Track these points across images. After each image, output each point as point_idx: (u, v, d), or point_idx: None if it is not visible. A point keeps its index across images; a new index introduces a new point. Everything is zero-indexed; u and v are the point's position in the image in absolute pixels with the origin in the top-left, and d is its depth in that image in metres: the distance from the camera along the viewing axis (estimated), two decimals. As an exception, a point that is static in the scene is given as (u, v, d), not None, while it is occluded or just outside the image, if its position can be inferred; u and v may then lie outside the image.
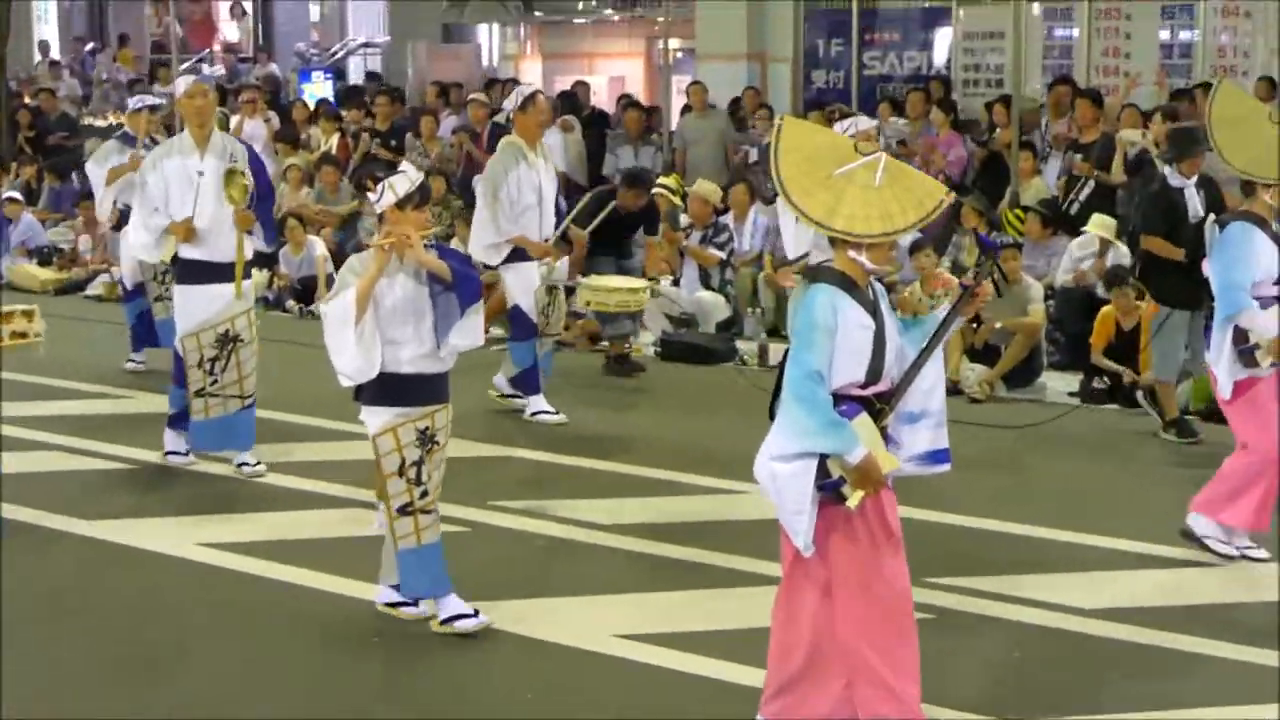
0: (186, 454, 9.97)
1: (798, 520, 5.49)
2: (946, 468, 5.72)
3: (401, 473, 6.91)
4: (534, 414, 11.08)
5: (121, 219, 12.11)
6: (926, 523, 8.67)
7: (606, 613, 7.36)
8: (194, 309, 9.52)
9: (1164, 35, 18.14)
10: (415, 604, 7.20)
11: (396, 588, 7.19)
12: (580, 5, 24.91)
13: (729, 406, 11.34)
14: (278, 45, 30.27)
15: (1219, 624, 7.20)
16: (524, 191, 10.77)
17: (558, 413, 11.08)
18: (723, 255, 14.37)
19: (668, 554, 8.21)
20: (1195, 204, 10.36)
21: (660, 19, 18.79)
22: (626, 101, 19.63)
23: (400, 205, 6.72)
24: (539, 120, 11.01)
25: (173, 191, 9.47)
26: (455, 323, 6.80)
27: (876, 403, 5.53)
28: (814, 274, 5.59)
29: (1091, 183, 14.07)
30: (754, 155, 17.54)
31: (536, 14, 25.20)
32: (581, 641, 7.03)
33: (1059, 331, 12.89)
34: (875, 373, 5.53)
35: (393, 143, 18.42)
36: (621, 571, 8.01)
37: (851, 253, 5.48)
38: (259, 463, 9.75)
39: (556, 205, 11.31)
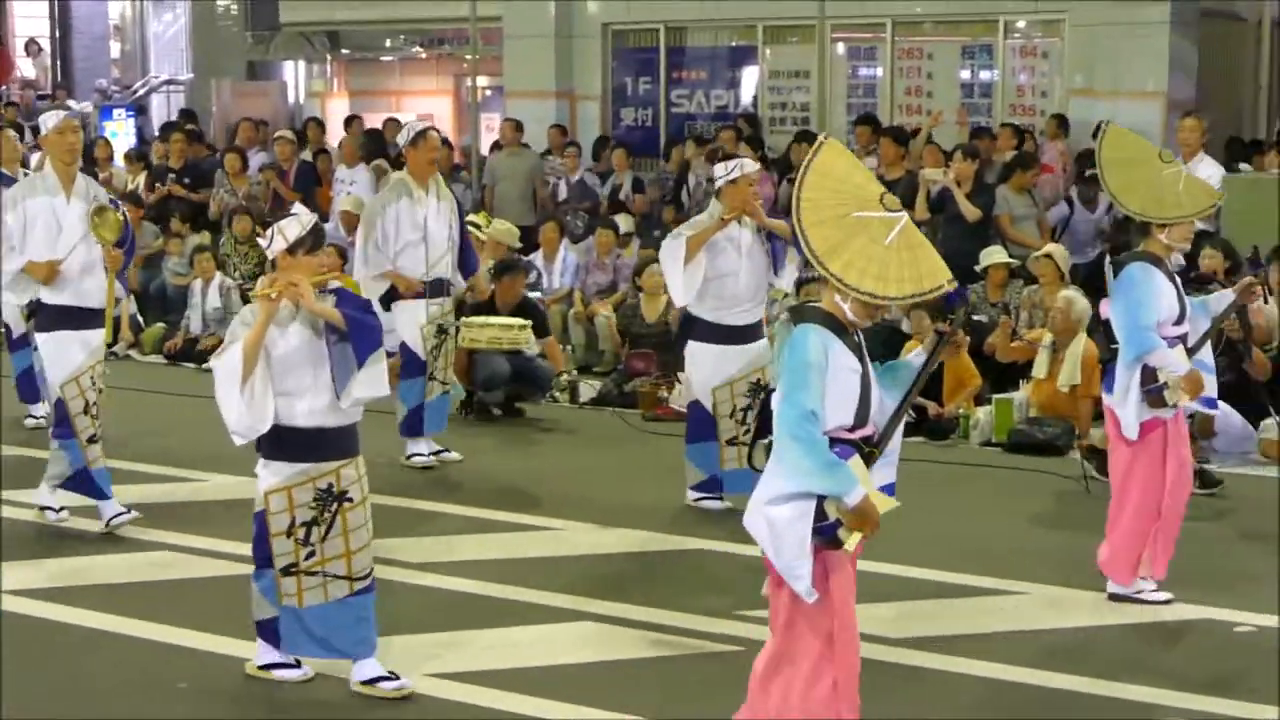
0: (59, 510, 9.30)
1: (800, 565, 5.29)
2: (894, 501, 5.57)
3: (290, 533, 6.56)
4: (409, 456, 10.80)
5: None
6: (737, 555, 8.72)
7: (417, 651, 7.26)
8: (70, 354, 8.97)
9: (964, 75, 18.56)
10: (297, 665, 6.82)
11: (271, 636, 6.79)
12: (388, 42, 24.77)
13: (548, 444, 11.32)
14: (77, 82, 29.68)
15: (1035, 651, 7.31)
16: (403, 228, 10.44)
17: (436, 452, 10.87)
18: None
19: (479, 592, 8.14)
20: None
21: (468, 56, 18.73)
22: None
23: (291, 250, 6.39)
24: (430, 157, 10.64)
25: (35, 233, 8.97)
26: (353, 373, 6.38)
27: (864, 446, 5.43)
28: (800, 314, 5.46)
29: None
30: (563, 191, 17.57)
31: (343, 51, 25.02)
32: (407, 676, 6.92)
33: (869, 366, 13.04)
34: (863, 416, 5.44)
35: (186, 180, 18.11)
36: (433, 610, 7.92)
37: (838, 298, 5.37)
38: (129, 509, 9.20)
39: (464, 243, 10.99)
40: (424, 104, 24.68)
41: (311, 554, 6.58)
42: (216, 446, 7.86)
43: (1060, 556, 8.70)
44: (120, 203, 9.41)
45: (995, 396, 11.78)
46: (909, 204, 13.98)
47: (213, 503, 9.85)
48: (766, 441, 5.52)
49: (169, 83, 28.55)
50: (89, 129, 24.39)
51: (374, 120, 21.21)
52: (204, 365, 14.57)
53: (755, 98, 19.76)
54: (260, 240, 6.54)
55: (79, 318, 9.01)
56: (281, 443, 6.47)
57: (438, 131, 11.06)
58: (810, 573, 5.29)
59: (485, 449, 11.55)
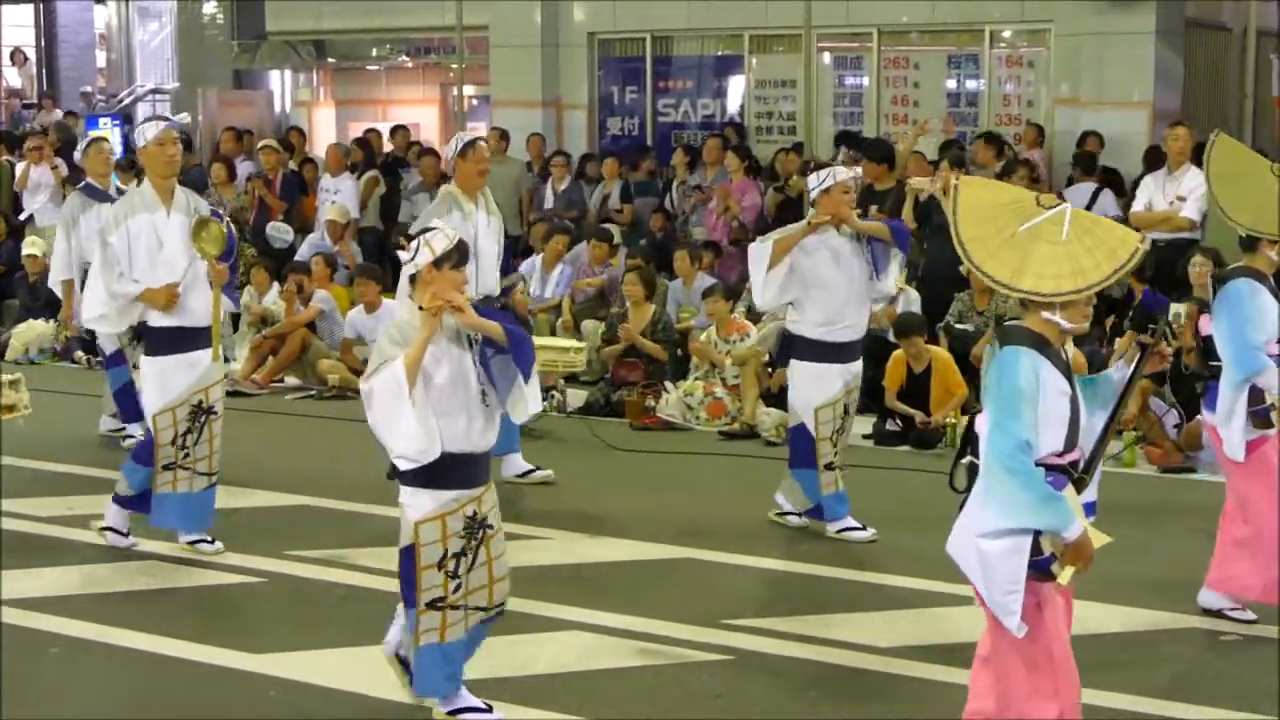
0: (127, 535, 8.96)
1: (1011, 600, 5.16)
2: (1108, 536, 5.38)
3: (441, 565, 6.22)
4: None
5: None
6: (723, 565, 8.73)
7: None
8: (171, 382, 8.63)
9: (951, 84, 18.58)
10: (488, 709, 6.54)
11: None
12: (374, 51, 24.74)
13: (535, 453, 11.29)
14: (63, 91, 29.63)
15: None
16: None
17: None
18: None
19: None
20: None
21: (455, 65, 18.73)
22: (421, 149, 19.52)
23: (437, 264, 6.06)
24: (480, 168, 10.14)
25: (138, 252, 8.58)
26: (518, 387, 6.13)
27: (1074, 471, 5.28)
28: (1006, 335, 5.25)
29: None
30: (549, 199, 17.56)
31: (329, 60, 24.99)
32: (380, 690, 6.89)
33: (852, 375, 13.05)
34: (1072, 440, 5.27)
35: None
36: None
37: (1045, 313, 5.15)
38: (215, 540, 8.90)
39: (505, 260, 10.71)
40: (410, 113, 24.65)
41: (459, 587, 6.29)
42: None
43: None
44: (223, 214, 9.08)
45: (982, 405, 11.77)
46: (895, 214, 14.03)
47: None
48: (967, 463, 5.41)
49: (155, 91, 28.52)
50: (76, 138, 24.38)
51: (360, 130, 21.23)
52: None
53: (742, 107, 19.78)
54: (402, 252, 6.18)
55: (186, 339, 8.65)
56: (435, 469, 6.08)
57: (486, 142, 10.71)
58: (1021, 608, 5.16)
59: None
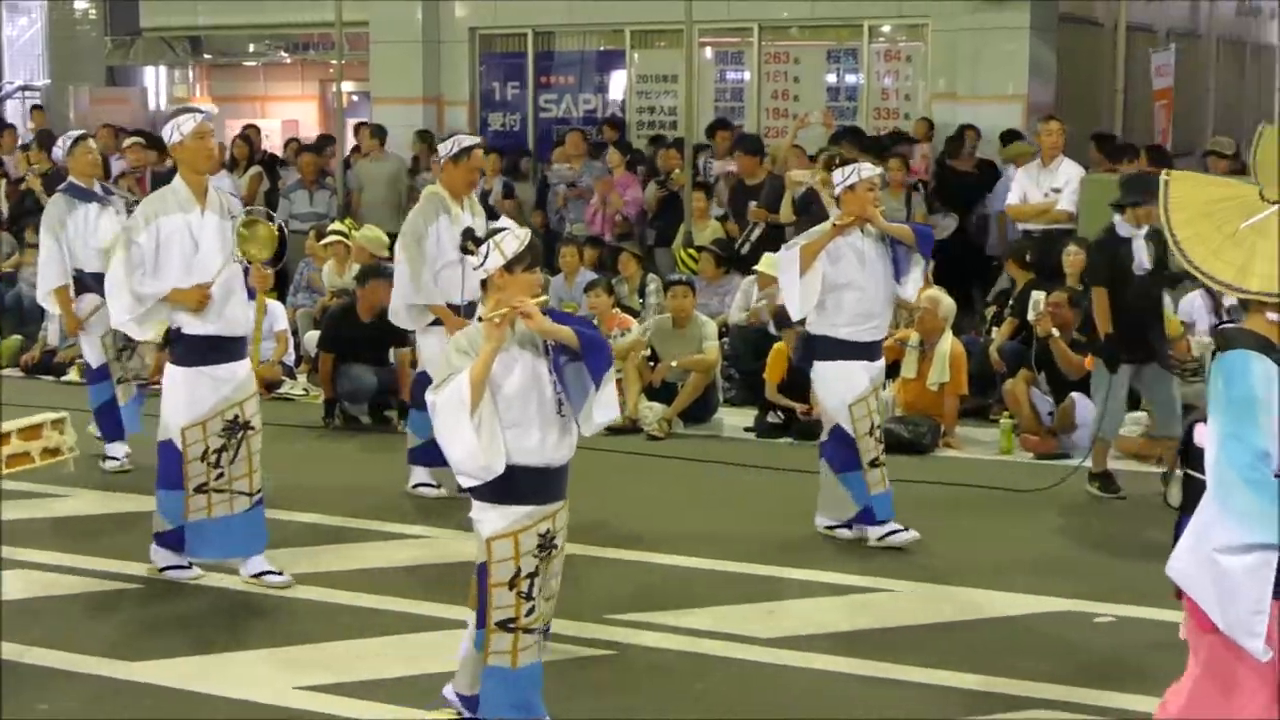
0: (189, 566, 8.41)
1: (1257, 621, 4.69)
2: None
3: (513, 584, 5.83)
4: (415, 486, 10.20)
5: (80, 286, 10.78)
6: (606, 559, 8.72)
7: (286, 664, 7.19)
8: (201, 394, 8.07)
9: (830, 79, 18.71)
10: None
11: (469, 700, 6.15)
12: (251, 47, 24.53)
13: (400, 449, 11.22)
14: (-69, 88, 29.13)
15: (904, 648, 7.36)
16: (444, 248, 9.60)
17: (439, 485, 10.10)
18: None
19: (347, 602, 8.06)
20: (1143, 255, 9.93)
21: (334, 62, 18.57)
22: (300, 145, 19.35)
23: (509, 268, 5.69)
24: (471, 178, 9.86)
25: (170, 254, 8.02)
26: (590, 395, 5.74)
27: None
28: (1229, 339, 4.82)
29: (763, 224, 14.37)
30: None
31: (206, 56, 24.74)
32: (261, 695, 6.83)
33: (734, 369, 13.12)
34: None
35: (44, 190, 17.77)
36: (301, 622, 7.83)
37: (1271, 315, 4.75)
38: (282, 572, 8.33)
39: None
40: (290, 109, 24.52)
41: (532, 610, 5.88)
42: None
43: (926, 553, 8.83)
44: (275, 214, 8.57)
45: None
46: (774, 207, 14.13)
47: (77, 519, 9.67)
48: (1181, 475, 5.14)
49: (25, 89, 28.07)
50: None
51: (238, 127, 21.00)
52: (62, 378, 14.43)
53: (623, 102, 19.80)
54: (471, 256, 5.78)
55: (221, 349, 8.13)
56: (509, 484, 5.73)
57: (482, 151, 10.28)
58: (1265, 629, 4.74)
59: (349, 458, 11.46)
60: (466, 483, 5.75)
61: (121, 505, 9.88)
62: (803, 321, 9.28)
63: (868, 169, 9.09)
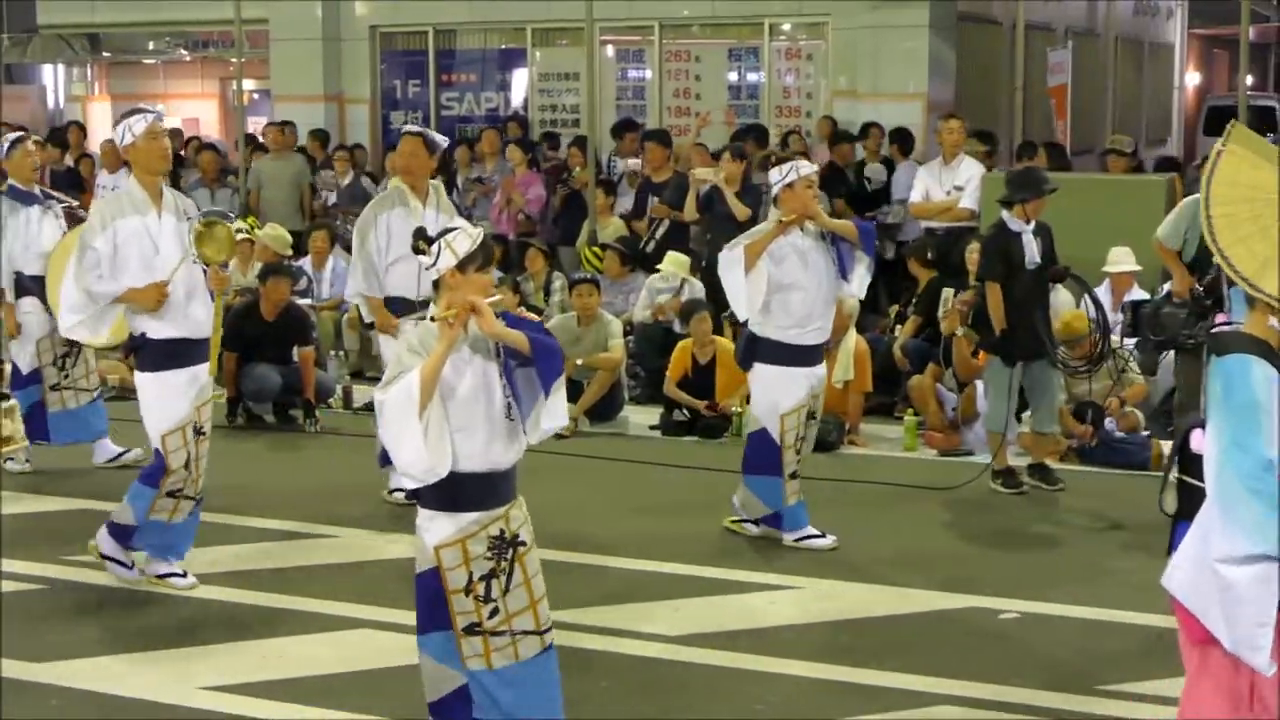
0: (131, 567, 8.28)
1: (1260, 635, 4.56)
2: None
3: (469, 590, 5.67)
4: (392, 491, 9.85)
5: (19, 289, 10.58)
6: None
7: (191, 664, 7.16)
8: (176, 399, 7.96)
9: (732, 77, 18.81)
10: None
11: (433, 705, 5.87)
12: (151, 45, 24.30)
13: (319, 451, 11.21)
14: None
15: (792, 644, 7.43)
16: (395, 242, 9.45)
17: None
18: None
19: (252, 601, 8.04)
20: (1033, 250, 9.98)
21: (234, 59, 18.45)
22: (200, 143, 19.21)
23: (461, 267, 5.52)
24: (430, 166, 9.68)
25: (129, 258, 7.88)
26: (539, 402, 5.59)
27: None
28: (1225, 342, 4.68)
29: (667, 221, 14.43)
30: (333, 199, 17.39)
31: (105, 54, 24.48)
32: (166, 695, 6.80)
33: (639, 366, 13.16)
34: None
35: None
36: (206, 622, 7.79)
37: (1274, 320, 4.61)
38: (187, 574, 8.27)
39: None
40: (190, 107, 24.33)
41: (495, 611, 5.72)
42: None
43: (831, 551, 8.90)
44: (232, 215, 8.36)
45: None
46: (678, 205, 14.18)
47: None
48: (1176, 481, 4.99)
49: (-80, 87, 27.67)
50: None
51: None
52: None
53: (525, 100, 19.80)
54: (423, 256, 5.58)
55: (187, 352, 8.01)
56: (453, 489, 5.57)
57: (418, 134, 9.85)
58: (1270, 644, 4.58)
59: (256, 457, 11.40)
60: (409, 485, 5.64)
61: (27, 506, 9.78)
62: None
63: (806, 166, 8.93)
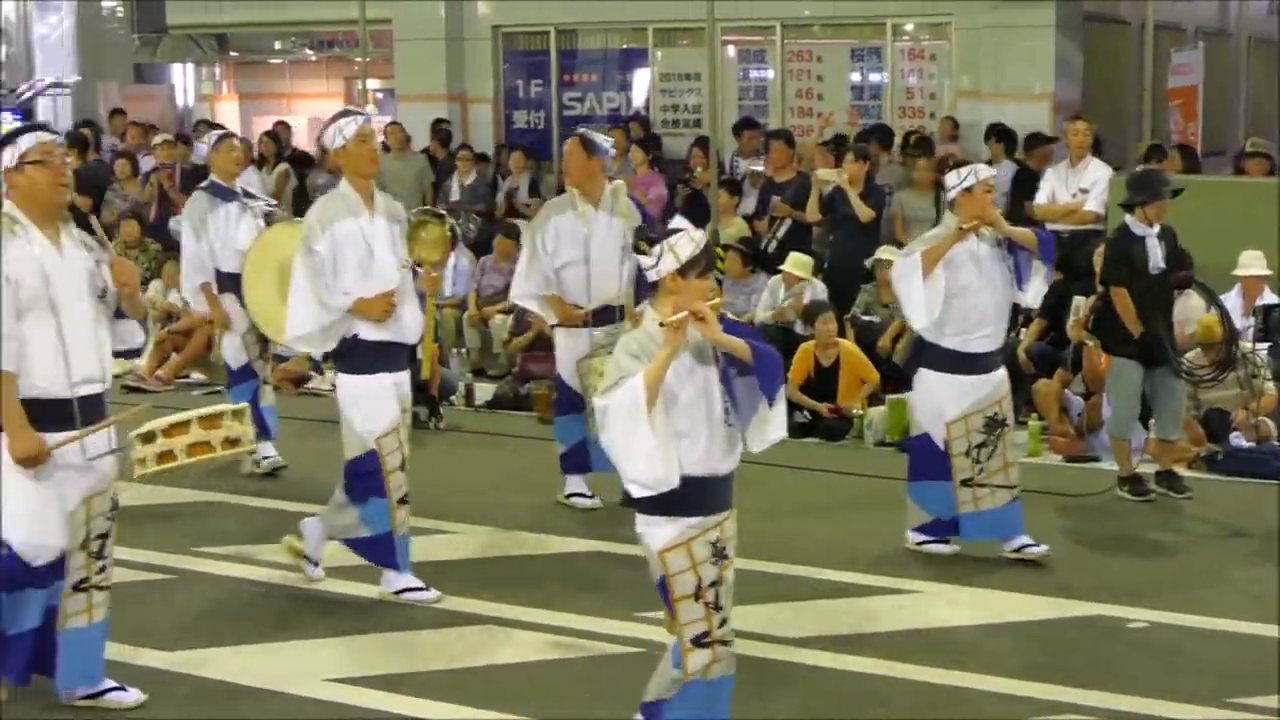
0: (427, 588, 8.10)
1: None
2: None
3: (698, 595, 5.62)
4: (569, 495, 9.92)
5: (218, 286, 10.58)
6: (636, 557, 8.72)
7: (315, 656, 7.24)
8: (387, 402, 7.87)
9: (854, 77, 18.70)
10: None
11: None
12: (277, 45, 24.58)
13: (442, 447, 11.28)
14: (-41, 86, 29.22)
15: (913, 649, 7.36)
16: (564, 245, 9.40)
17: (593, 496, 9.86)
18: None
19: (377, 594, 8.11)
20: (1156, 254, 9.83)
21: (358, 59, 18.62)
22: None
23: (682, 272, 5.46)
24: (591, 169, 9.47)
25: (345, 261, 7.75)
26: (759, 412, 5.54)
27: None
28: None
29: (789, 221, 14.38)
30: (455, 192, 17.51)
31: (232, 53, 24.80)
32: (291, 686, 6.89)
33: (761, 367, 13.08)
34: None
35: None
36: (329, 614, 7.87)
37: None
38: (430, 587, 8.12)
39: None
40: (315, 106, 24.56)
41: (724, 620, 5.70)
42: None
43: (951, 556, 8.83)
44: (448, 216, 8.30)
45: (889, 396, 11.87)
46: (800, 205, 14.13)
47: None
48: None
49: (55, 86, 28.13)
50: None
51: (264, 123, 21.08)
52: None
53: (647, 100, 19.81)
54: (644, 258, 5.53)
55: (394, 355, 7.93)
56: (676, 494, 5.47)
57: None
58: None
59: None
60: (638, 493, 5.49)
61: (163, 497, 9.92)
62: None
63: (984, 170, 8.74)
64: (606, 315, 9.48)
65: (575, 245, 9.38)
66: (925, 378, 8.78)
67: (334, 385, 11.33)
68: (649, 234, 5.56)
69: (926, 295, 8.51)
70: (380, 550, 8.01)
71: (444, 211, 8.15)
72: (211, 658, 7.22)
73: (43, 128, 6.47)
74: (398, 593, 8.03)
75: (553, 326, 9.81)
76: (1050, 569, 8.58)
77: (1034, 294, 8.87)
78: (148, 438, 6.57)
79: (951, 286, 8.54)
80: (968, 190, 8.55)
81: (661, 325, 5.37)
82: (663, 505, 5.51)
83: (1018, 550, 8.72)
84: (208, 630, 7.58)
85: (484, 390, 13.15)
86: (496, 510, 9.72)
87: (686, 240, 5.49)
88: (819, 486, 10.40)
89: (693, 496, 5.52)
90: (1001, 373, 8.81)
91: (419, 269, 7.97)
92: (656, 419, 5.35)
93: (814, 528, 9.35)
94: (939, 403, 8.71)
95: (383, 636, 7.55)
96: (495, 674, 7.10)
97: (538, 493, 10.12)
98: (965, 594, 8.21)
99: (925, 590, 8.26)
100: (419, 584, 8.05)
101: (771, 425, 5.57)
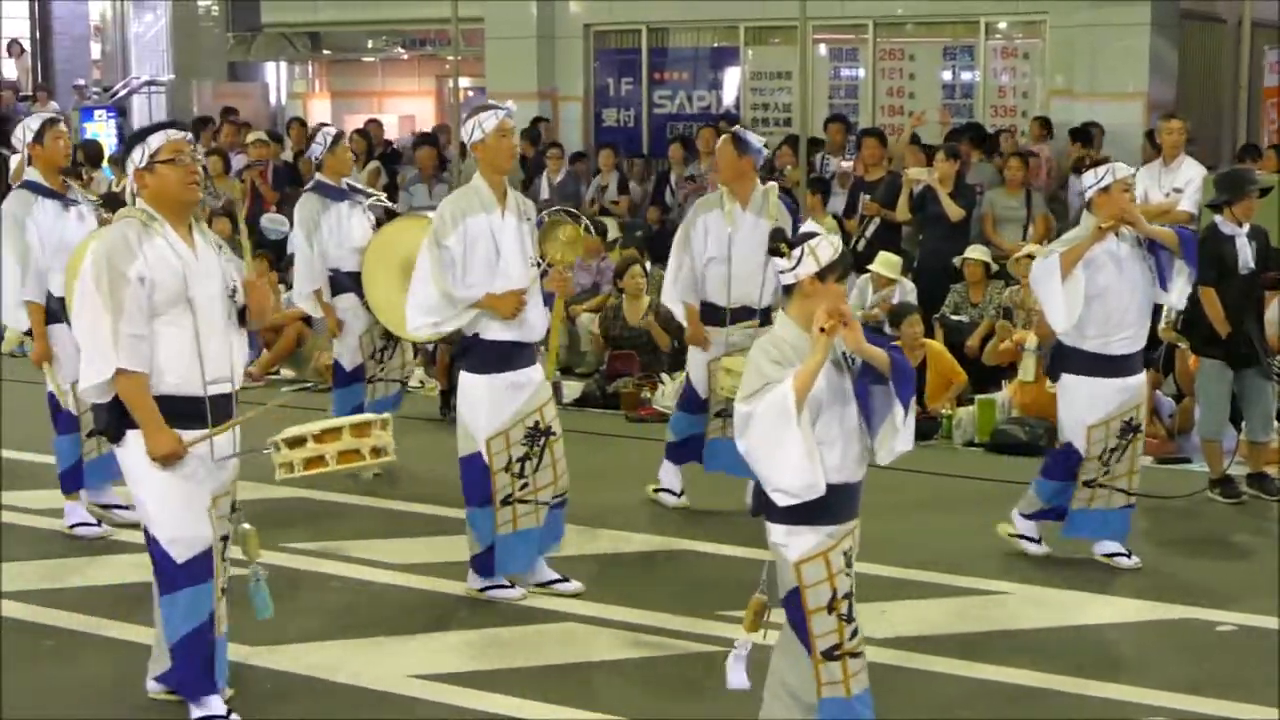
0: (511, 586, 8.06)
1: None
2: None
3: (832, 608, 5.51)
4: (658, 490, 9.89)
5: (336, 286, 10.50)
6: (718, 556, 8.71)
7: (401, 653, 7.27)
8: (503, 403, 7.81)
9: (946, 76, 18.60)
10: None
11: None
12: (369, 43, 24.75)
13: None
14: (58, 83, 29.61)
15: (1000, 650, 7.32)
16: (710, 244, 9.32)
17: (681, 494, 9.84)
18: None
19: (459, 593, 8.13)
20: (1246, 254, 9.72)
21: (450, 57, 18.69)
22: (420, 138, 19.53)
23: (821, 276, 5.38)
24: (741, 168, 9.36)
25: (474, 257, 7.68)
26: (897, 423, 5.46)
27: None
28: None
29: (878, 220, 14.31)
30: (544, 190, 17.55)
31: (325, 52, 24.99)
32: (377, 683, 6.92)
33: (849, 367, 13.05)
34: None
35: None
36: (414, 611, 7.90)
37: None
38: (570, 579, 8.16)
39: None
40: (406, 105, 24.73)
41: (856, 633, 5.61)
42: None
43: (1043, 556, 8.74)
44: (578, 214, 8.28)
45: (978, 396, 11.79)
46: (890, 204, 14.07)
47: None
48: None
49: (150, 84, 28.53)
50: (72, 131, 24.34)
51: (356, 121, 21.22)
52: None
53: (737, 98, 19.78)
54: (781, 260, 5.43)
55: (517, 355, 7.82)
56: (816, 501, 5.38)
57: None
58: None
59: (447, 442, 11.53)
60: (784, 501, 5.36)
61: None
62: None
63: (1122, 168, 8.49)
64: (744, 316, 9.39)
65: (719, 244, 9.29)
66: (1067, 384, 8.59)
67: (422, 382, 11.32)
68: (785, 236, 5.48)
69: (1066, 297, 8.32)
70: (480, 561, 8.02)
71: (576, 211, 8.11)
72: (296, 654, 7.27)
73: (173, 125, 6.44)
74: (482, 590, 8.05)
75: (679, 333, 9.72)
76: (1139, 571, 8.49)
77: (1178, 295, 8.63)
78: (295, 442, 6.55)
79: (1091, 288, 8.35)
80: (1105, 190, 8.36)
81: (821, 330, 5.23)
82: (804, 514, 5.40)
83: (1108, 556, 8.63)
84: (294, 628, 7.60)
85: (571, 388, 13.16)
86: (579, 508, 9.71)
87: (826, 244, 5.41)
88: (907, 487, 10.31)
89: (833, 504, 5.42)
90: (1142, 377, 8.63)
91: (550, 268, 7.94)
92: (804, 428, 5.23)
93: (901, 528, 9.27)
94: (1081, 409, 8.52)
95: (467, 634, 7.56)
96: (583, 672, 7.10)
97: (622, 490, 10.12)
98: (1052, 595, 8.14)
99: (1012, 591, 8.20)
100: (504, 582, 8.05)
101: (900, 437, 5.48)
